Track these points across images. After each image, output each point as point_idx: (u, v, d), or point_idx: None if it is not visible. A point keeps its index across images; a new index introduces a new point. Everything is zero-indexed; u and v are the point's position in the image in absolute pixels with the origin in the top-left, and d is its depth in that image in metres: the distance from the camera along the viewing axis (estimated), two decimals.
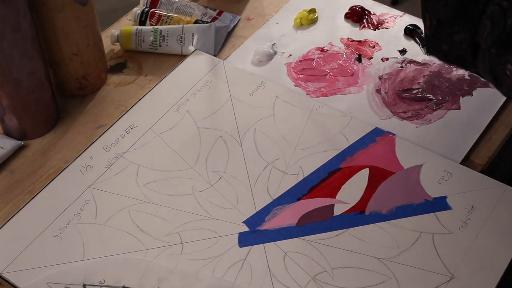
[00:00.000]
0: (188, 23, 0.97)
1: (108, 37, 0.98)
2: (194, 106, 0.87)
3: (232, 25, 1.00)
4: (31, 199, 0.77)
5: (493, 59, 0.61)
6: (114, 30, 0.97)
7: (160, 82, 0.91)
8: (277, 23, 1.00)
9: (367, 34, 0.98)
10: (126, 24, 1.02)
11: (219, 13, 1.01)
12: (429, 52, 0.69)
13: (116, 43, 0.97)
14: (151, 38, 0.95)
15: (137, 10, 1.00)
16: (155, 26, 0.96)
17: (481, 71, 0.65)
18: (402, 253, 0.71)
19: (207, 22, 0.97)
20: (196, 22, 0.97)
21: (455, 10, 0.62)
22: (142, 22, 0.99)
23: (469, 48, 0.63)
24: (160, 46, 0.95)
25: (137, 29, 0.96)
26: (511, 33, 0.59)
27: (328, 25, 1.00)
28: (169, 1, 1.01)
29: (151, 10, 0.99)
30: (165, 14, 0.98)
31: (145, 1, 1.02)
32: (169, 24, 0.97)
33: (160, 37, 0.95)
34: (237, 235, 0.74)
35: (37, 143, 0.85)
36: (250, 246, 0.72)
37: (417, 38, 0.93)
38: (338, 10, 1.01)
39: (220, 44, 0.97)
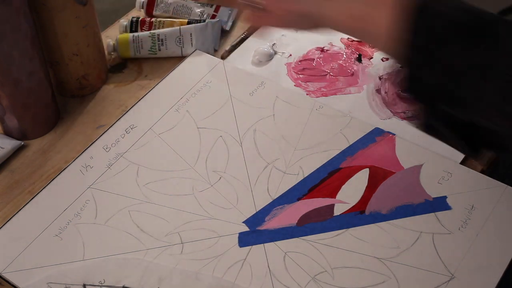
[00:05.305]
0: (181, 25, 0.95)
1: (108, 37, 0.98)
2: (194, 106, 0.87)
3: (231, 19, 1.00)
4: (31, 199, 0.77)
5: None
6: (109, 39, 0.95)
7: (160, 82, 0.91)
8: None
9: None
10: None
11: (216, 9, 1.00)
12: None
13: (112, 53, 0.95)
14: (150, 43, 0.93)
15: (124, 22, 0.97)
16: (152, 31, 0.94)
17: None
18: (402, 253, 0.71)
19: (202, 21, 0.96)
20: (189, 22, 0.96)
21: None
22: (133, 32, 0.96)
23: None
24: (160, 50, 0.94)
25: (133, 36, 0.93)
26: None
27: None
28: (166, 2, 1.00)
29: (141, 19, 0.96)
30: (156, 20, 0.96)
31: (141, 4, 1.00)
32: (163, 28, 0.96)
33: (159, 41, 0.93)
34: (237, 235, 0.73)
35: (37, 143, 0.85)
36: (250, 246, 0.72)
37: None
38: None
39: (218, 39, 0.96)
